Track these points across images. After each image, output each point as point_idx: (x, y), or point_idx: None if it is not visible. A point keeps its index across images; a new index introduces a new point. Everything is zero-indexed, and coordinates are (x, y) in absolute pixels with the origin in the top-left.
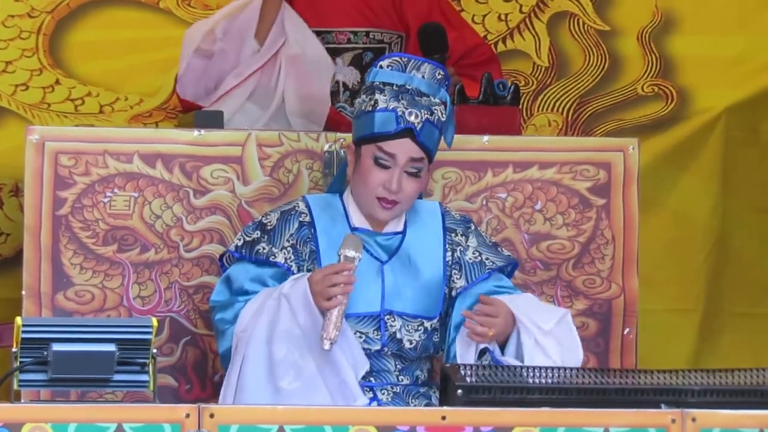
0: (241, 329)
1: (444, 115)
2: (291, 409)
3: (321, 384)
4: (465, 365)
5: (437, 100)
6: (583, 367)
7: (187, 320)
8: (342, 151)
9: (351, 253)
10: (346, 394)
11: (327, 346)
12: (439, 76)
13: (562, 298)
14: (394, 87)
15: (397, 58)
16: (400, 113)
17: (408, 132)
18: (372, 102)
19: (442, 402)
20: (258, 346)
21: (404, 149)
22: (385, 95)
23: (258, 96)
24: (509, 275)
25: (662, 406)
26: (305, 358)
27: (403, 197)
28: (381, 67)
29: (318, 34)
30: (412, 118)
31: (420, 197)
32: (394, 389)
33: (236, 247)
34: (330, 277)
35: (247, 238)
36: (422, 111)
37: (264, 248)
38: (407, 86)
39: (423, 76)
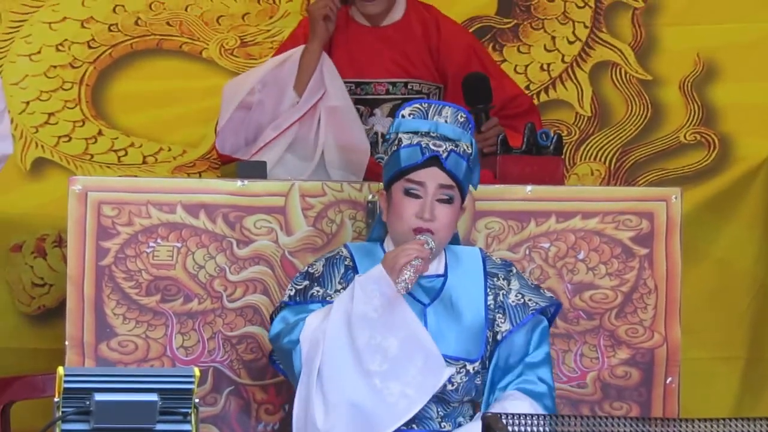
0: (311, 330)
1: (470, 149)
2: None
3: (408, 363)
4: (506, 414)
5: (463, 143)
6: (625, 416)
7: (231, 370)
8: None
9: (423, 237)
10: (434, 367)
11: (401, 289)
12: (462, 119)
13: (605, 348)
14: (420, 134)
15: (417, 106)
16: (424, 145)
17: (434, 160)
18: (396, 142)
19: None
20: (337, 336)
21: (432, 176)
22: (408, 135)
23: (297, 148)
24: (553, 316)
25: None
26: (387, 340)
27: (439, 226)
28: (403, 116)
29: (356, 85)
30: (437, 148)
31: (458, 241)
32: None
33: (290, 297)
34: (406, 245)
35: (299, 287)
36: (447, 144)
37: (318, 291)
38: (432, 133)
39: (446, 120)
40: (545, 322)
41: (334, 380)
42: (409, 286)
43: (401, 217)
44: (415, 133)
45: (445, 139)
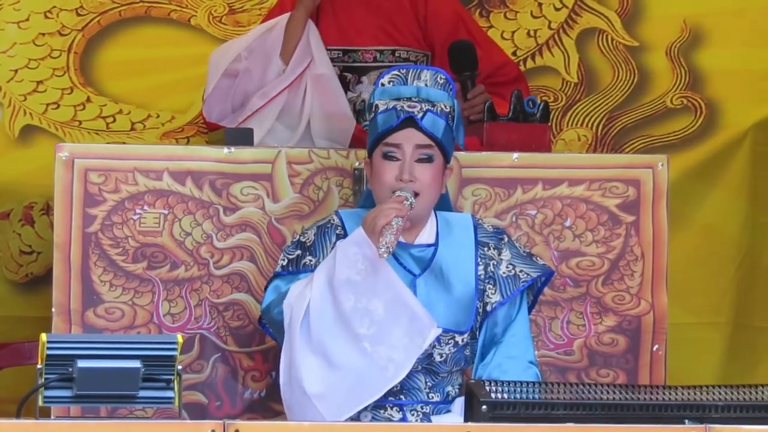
0: (294, 297)
1: (448, 107)
2: (317, 425)
3: (393, 325)
4: (490, 381)
5: (441, 103)
6: (612, 383)
7: (217, 337)
8: None
9: (402, 193)
10: (419, 327)
11: (382, 253)
12: (441, 81)
13: (592, 315)
14: (402, 99)
15: (396, 73)
16: (399, 108)
17: (410, 121)
18: (373, 109)
19: (467, 418)
20: (323, 302)
21: (409, 137)
22: (384, 101)
23: (285, 117)
24: (544, 284)
25: (686, 421)
26: (372, 303)
27: (421, 186)
28: (383, 84)
29: (344, 53)
30: (412, 109)
31: (449, 204)
32: (424, 409)
33: (282, 267)
34: (384, 206)
35: (291, 257)
36: (423, 104)
37: (311, 260)
38: (413, 98)
39: (426, 84)
40: (528, 298)
41: (325, 346)
42: (391, 249)
43: (381, 180)
44: (398, 99)
45: (425, 101)
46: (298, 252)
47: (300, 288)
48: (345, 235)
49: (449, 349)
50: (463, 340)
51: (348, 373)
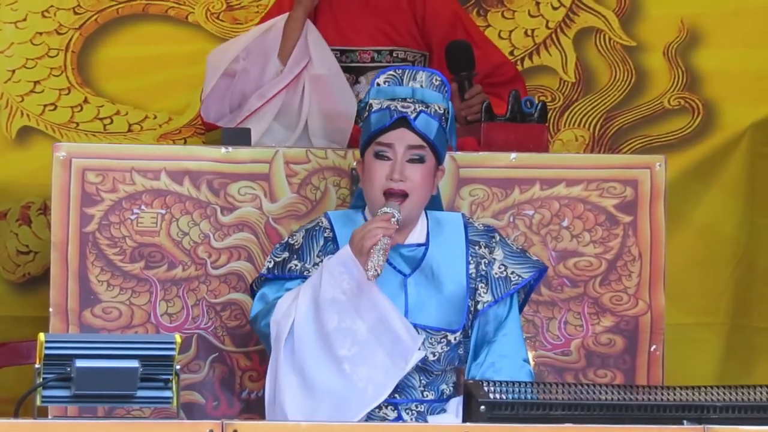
0: (281, 314)
1: (442, 109)
2: (315, 425)
3: (376, 346)
4: (488, 381)
5: (435, 104)
6: (609, 384)
7: (215, 337)
8: None
9: (389, 210)
10: (402, 350)
11: (371, 276)
12: (437, 82)
13: (589, 315)
14: (397, 100)
15: (392, 73)
16: (393, 108)
17: (403, 121)
18: (367, 108)
19: (465, 418)
20: (306, 323)
21: (401, 137)
22: (378, 100)
23: (283, 117)
24: (536, 281)
25: (684, 422)
26: (356, 323)
27: (411, 186)
28: (378, 84)
29: (341, 53)
30: (406, 110)
31: (440, 205)
32: (419, 408)
33: (268, 269)
34: (371, 225)
35: (277, 259)
36: (417, 105)
37: (296, 265)
38: (408, 99)
39: (422, 85)
40: (520, 296)
41: (305, 366)
42: (379, 271)
43: (372, 179)
44: (392, 99)
45: (420, 102)
46: (285, 254)
47: (287, 304)
48: (333, 237)
49: (442, 348)
50: (455, 339)
51: (325, 395)
